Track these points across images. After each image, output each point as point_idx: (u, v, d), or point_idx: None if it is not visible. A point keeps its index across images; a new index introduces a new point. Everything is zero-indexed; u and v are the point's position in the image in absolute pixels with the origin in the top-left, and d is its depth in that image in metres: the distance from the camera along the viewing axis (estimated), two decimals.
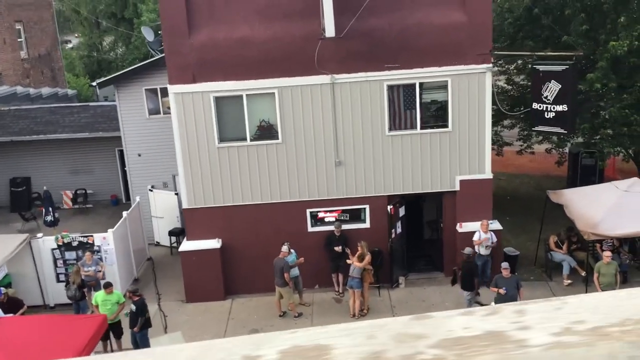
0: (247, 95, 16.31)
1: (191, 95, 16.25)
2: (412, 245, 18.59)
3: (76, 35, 61.37)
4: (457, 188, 17.00)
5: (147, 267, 19.95)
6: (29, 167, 25.87)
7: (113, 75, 21.05)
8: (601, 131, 19.74)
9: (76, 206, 25.54)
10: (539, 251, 18.42)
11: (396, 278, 17.47)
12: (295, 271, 16.39)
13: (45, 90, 30.06)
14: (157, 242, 21.39)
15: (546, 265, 17.95)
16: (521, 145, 23.79)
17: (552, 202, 17.59)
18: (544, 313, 1.14)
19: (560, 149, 22.77)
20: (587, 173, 25.45)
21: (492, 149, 24.46)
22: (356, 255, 15.79)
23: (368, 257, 15.73)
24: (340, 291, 17.01)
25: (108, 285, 14.48)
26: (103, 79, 21.31)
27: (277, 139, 16.62)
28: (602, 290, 14.49)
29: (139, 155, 20.89)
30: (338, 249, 16.51)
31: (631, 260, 17.23)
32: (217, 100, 16.35)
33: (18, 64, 29.40)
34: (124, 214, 18.66)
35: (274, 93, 16.29)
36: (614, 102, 19.05)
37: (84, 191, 25.51)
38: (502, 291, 14.33)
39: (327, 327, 1.15)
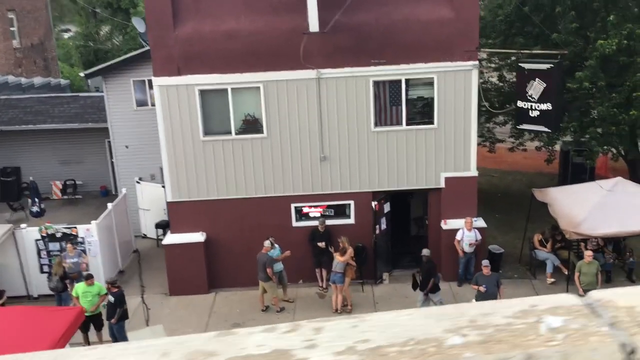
0: (232, 88, 16.25)
1: (176, 87, 16.18)
2: (399, 242, 18.57)
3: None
4: (442, 185, 16.96)
5: (133, 260, 19.91)
6: (19, 156, 25.78)
7: (101, 66, 20.98)
8: (590, 130, 19.71)
9: (65, 197, 25.49)
10: (524, 249, 18.41)
11: (380, 274, 17.46)
12: (279, 266, 16.36)
13: (38, 80, 29.94)
14: (144, 234, 21.36)
15: (530, 263, 17.95)
16: (513, 142, 23.73)
17: (537, 200, 17.57)
18: (339, 331, 1.16)
19: (550, 147, 22.73)
20: (577, 171, 25.45)
21: (484, 145, 24.52)
22: (338, 250, 15.79)
23: (350, 251, 15.73)
24: (324, 286, 17.00)
25: (89, 277, 14.47)
26: (91, 69, 21.18)
27: (262, 133, 16.57)
28: (584, 290, 14.49)
29: (127, 147, 20.84)
30: (321, 244, 16.49)
31: (615, 260, 17.22)
32: (202, 93, 16.29)
33: (10, 53, 29.31)
34: (109, 205, 18.63)
35: (259, 87, 16.23)
36: (603, 100, 19.00)
37: (73, 182, 25.45)
38: (482, 289, 14.32)
39: (130, 343, 1.18)
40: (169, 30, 15.83)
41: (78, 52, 49.44)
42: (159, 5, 15.71)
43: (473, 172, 16.93)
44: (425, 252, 15.65)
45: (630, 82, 18.84)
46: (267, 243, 15.84)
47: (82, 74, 22.71)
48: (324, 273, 16.80)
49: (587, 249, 15.86)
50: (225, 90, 16.27)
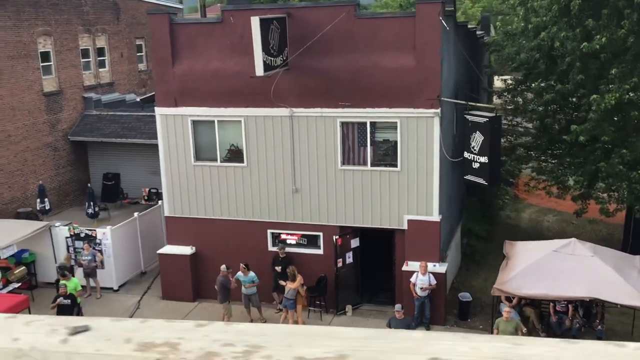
0: (218, 120, 18.14)
1: (173, 117, 18.44)
2: (381, 277, 19.06)
3: None
4: (405, 227, 17.30)
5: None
6: (119, 164, 29.87)
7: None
8: (598, 185, 18.72)
9: (149, 203, 29.01)
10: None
11: (343, 306, 18.16)
12: (251, 290, 17.74)
13: None
14: None
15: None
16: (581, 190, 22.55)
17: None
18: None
19: (584, 200, 21.55)
20: (638, 225, 23.89)
21: (547, 191, 23.84)
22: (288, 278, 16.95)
23: (299, 279, 16.76)
24: (279, 308, 18.14)
25: (64, 275, 17.13)
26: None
27: (243, 162, 18.21)
28: None
29: None
30: (278, 268, 17.68)
31: (582, 327, 16.25)
32: (194, 123, 18.37)
33: (134, 75, 33.77)
34: (135, 214, 21.40)
35: (240, 121, 17.93)
36: (615, 157, 17.98)
37: (156, 190, 28.89)
38: None
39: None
40: (168, 68, 18.14)
41: None
42: (162, 46, 18.08)
43: (435, 217, 17.06)
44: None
45: None
46: (223, 267, 17.42)
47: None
48: (280, 296, 17.92)
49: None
50: (213, 121, 18.20)
